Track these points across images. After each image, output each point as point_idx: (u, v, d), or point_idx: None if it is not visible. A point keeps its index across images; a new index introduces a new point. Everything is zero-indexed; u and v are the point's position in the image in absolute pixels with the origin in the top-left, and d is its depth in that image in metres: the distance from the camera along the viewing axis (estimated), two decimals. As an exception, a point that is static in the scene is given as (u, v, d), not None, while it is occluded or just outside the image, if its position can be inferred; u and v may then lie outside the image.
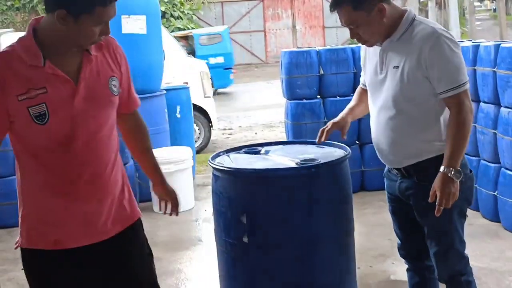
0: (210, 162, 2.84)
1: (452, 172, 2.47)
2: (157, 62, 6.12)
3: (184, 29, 17.39)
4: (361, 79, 2.96)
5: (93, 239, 2.16)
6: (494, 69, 4.55)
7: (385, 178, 2.90)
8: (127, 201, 2.29)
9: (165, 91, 6.25)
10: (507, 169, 4.53)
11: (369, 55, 2.77)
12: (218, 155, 2.99)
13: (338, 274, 2.78)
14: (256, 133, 10.03)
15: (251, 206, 2.65)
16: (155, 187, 2.60)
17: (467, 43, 5.03)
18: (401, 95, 2.59)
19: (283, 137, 9.39)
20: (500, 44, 4.57)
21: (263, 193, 2.65)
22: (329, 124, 2.93)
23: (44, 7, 2.08)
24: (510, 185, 4.49)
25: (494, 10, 43.18)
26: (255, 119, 11.73)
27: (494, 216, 4.74)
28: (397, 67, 2.57)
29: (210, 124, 8.41)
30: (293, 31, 22.59)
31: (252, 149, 3.05)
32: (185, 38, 15.09)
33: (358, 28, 2.57)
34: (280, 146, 3.11)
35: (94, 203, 2.16)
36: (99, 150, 2.15)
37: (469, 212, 4.89)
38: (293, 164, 2.72)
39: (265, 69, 20.88)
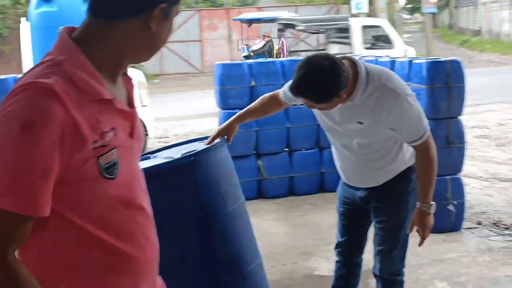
0: None
1: (428, 208, 2.81)
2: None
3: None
4: (283, 92, 3.04)
5: None
6: (408, 83, 5.00)
7: (343, 185, 3.13)
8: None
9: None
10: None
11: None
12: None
13: (239, 244, 2.92)
14: (191, 141, 10.28)
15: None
16: None
17: (385, 59, 5.48)
18: (366, 141, 2.81)
19: (218, 145, 9.74)
20: (412, 60, 5.04)
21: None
22: (217, 130, 3.07)
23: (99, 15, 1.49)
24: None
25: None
26: (192, 127, 11.96)
27: (409, 217, 5.19)
28: (361, 122, 2.72)
29: (146, 133, 8.61)
30: (229, 41, 22.96)
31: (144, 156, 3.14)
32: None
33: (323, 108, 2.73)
34: (170, 149, 3.21)
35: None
36: None
37: None
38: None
39: (201, 79, 21.09)
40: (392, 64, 5.26)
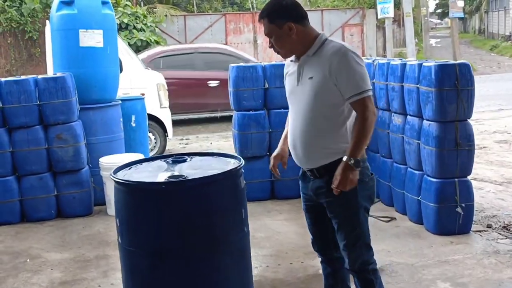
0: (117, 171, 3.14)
1: (353, 162, 2.91)
2: (112, 73, 6.48)
3: (147, 41, 17.73)
4: None
5: None
6: (418, 85, 5.04)
7: (300, 180, 3.27)
8: None
9: (120, 101, 6.61)
10: (428, 176, 5.02)
11: (289, 71, 3.21)
12: (141, 161, 3.37)
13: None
14: (211, 143, 10.41)
15: (123, 212, 2.98)
16: None
17: (396, 62, 5.52)
18: (315, 102, 2.98)
19: (238, 147, 9.87)
20: (421, 63, 5.07)
21: (130, 202, 2.92)
22: (271, 160, 3.38)
23: None
24: (430, 190, 4.97)
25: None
26: (212, 129, 12.12)
27: (419, 219, 5.22)
28: (311, 77, 2.99)
29: (166, 134, 8.77)
30: (254, 45, 23.10)
31: (179, 157, 3.30)
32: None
33: (272, 38, 3.05)
34: (202, 158, 3.37)
35: None
36: None
37: (398, 215, 5.49)
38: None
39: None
40: (403, 67, 5.30)
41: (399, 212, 5.60)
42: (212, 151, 3.46)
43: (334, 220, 3.11)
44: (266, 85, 6.17)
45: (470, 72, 4.86)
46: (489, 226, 5.20)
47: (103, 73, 6.32)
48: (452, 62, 5.01)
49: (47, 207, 5.90)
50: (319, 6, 27.86)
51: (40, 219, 5.85)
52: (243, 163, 3.06)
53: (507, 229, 5.13)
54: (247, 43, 22.89)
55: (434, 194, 4.94)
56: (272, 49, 3.16)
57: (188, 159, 3.26)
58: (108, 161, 5.94)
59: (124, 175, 3.05)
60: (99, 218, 5.95)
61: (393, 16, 21.97)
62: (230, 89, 6.27)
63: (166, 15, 21.39)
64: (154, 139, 8.69)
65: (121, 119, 6.58)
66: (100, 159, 5.99)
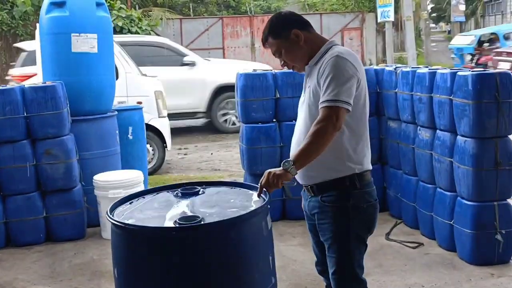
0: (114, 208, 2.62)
1: (287, 165, 2.56)
2: (108, 81, 5.91)
3: (142, 45, 17.19)
4: None
5: None
6: (451, 97, 4.51)
7: (302, 195, 3.02)
8: None
9: (116, 112, 6.04)
10: (463, 198, 4.48)
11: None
12: (144, 193, 2.80)
13: None
14: (212, 153, 9.85)
15: (122, 262, 2.44)
16: None
17: (423, 70, 4.99)
18: (309, 113, 2.76)
19: (239, 158, 9.30)
20: (456, 72, 4.53)
21: (132, 250, 2.37)
22: None
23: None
24: (466, 215, 4.43)
25: (449, 32, 44.23)
26: (212, 138, 11.58)
27: (450, 246, 4.68)
28: (309, 87, 2.81)
29: (164, 145, 8.20)
30: (252, 49, 22.57)
31: (189, 189, 2.77)
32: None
33: (283, 55, 2.84)
34: (217, 189, 2.83)
35: None
36: None
37: (425, 240, 4.93)
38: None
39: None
40: (432, 76, 4.77)
41: (426, 236, 5.05)
42: (228, 180, 2.89)
43: (325, 244, 2.86)
44: (277, 95, 5.61)
45: (511, 82, 4.33)
46: (529, 254, 4.67)
47: (98, 81, 5.73)
48: (492, 71, 4.47)
49: (35, 230, 5.31)
50: (317, 10, 27.37)
51: (27, 244, 5.26)
52: (269, 198, 2.50)
53: (550, 258, 4.60)
54: (245, 47, 22.39)
55: (470, 219, 4.40)
56: (286, 67, 2.96)
57: (201, 190, 2.70)
58: (103, 179, 5.37)
59: (123, 215, 2.49)
60: (92, 242, 5.37)
61: (393, 20, 21.51)
62: (237, 99, 5.71)
63: (161, 19, 20.85)
64: (152, 150, 8.11)
65: (117, 132, 6.01)
66: (94, 177, 5.41)
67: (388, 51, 21.79)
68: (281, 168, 2.56)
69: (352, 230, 2.79)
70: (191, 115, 11.74)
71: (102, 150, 5.76)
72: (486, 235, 4.39)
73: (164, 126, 8.15)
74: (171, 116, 9.23)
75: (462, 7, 22.76)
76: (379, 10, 21.08)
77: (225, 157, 9.38)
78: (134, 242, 2.32)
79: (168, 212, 2.47)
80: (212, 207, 2.51)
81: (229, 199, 2.62)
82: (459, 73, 4.47)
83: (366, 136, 2.88)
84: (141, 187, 5.49)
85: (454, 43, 21.12)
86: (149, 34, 18.60)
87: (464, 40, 20.10)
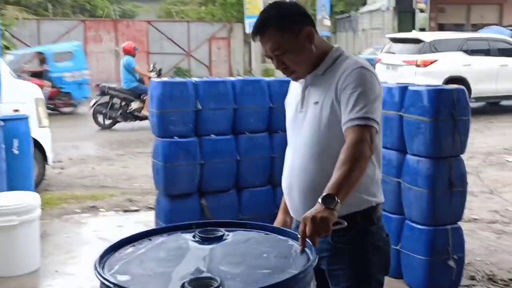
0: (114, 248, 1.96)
1: (325, 198, 1.96)
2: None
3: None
4: None
5: None
6: (400, 113, 4.20)
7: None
8: None
9: (2, 122, 5.07)
10: (414, 222, 4.18)
11: (292, 95, 2.49)
12: (151, 232, 2.11)
13: None
14: (93, 167, 8.92)
15: None
16: None
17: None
18: (319, 133, 2.29)
19: (126, 173, 8.48)
20: (407, 86, 4.24)
21: None
22: None
23: None
24: (419, 240, 4.13)
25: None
26: (85, 151, 10.58)
27: (396, 272, 4.35)
28: (317, 102, 2.31)
29: (46, 161, 7.17)
30: (116, 54, 21.49)
31: (210, 232, 2.08)
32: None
33: (285, 54, 2.28)
34: (245, 233, 2.14)
35: None
36: None
37: None
38: None
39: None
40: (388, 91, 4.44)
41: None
42: (259, 223, 2.20)
43: None
44: (199, 106, 4.99)
45: (466, 99, 4.11)
46: (472, 278, 4.48)
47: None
48: (448, 87, 4.23)
49: None
50: (183, 18, 26.79)
51: None
52: (316, 255, 1.89)
53: (493, 281, 4.45)
54: (108, 53, 21.25)
55: (424, 245, 4.11)
56: (283, 70, 2.35)
57: (225, 234, 2.06)
58: (-10, 204, 4.44)
59: (116, 267, 1.80)
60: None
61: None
62: (153, 110, 5.01)
63: (17, 18, 19.16)
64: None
65: (3, 146, 5.05)
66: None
67: (255, 62, 21.78)
68: (320, 207, 1.95)
69: (373, 275, 2.34)
70: None
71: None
72: (440, 261, 4.12)
73: (46, 137, 7.13)
74: None
75: (327, 22, 23.33)
76: (247, 21, 20.96)
77: (110, 172, 8.52)
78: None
79: (177, 267, 1.81)
80: (237, 264, 1.85)
81: (261, 252, 1.97)
82: (412, 88, 4.18)
83: (381, 164, 2.42)
84: (37, 212, 4.63)
85: None
86: (3, 35, 16.99)
87: None
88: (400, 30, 27.25)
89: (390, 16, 29.11)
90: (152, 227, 2.71)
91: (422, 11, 28.08)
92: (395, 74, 13.40)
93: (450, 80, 13.18)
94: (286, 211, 2.55)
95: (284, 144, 5.18)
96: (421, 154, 4.09)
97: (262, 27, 2.28)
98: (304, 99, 2.38)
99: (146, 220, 5.90)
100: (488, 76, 14.04)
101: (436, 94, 4.02)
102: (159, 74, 13.03)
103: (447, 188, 4.07)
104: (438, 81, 12.62)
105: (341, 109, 2.21)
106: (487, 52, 14.25)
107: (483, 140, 10.71)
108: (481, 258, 4.91)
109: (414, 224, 4.18)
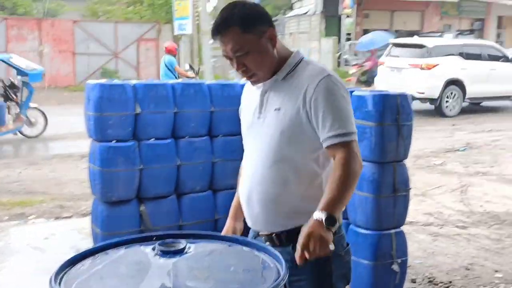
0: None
1: (325, 217, 2.01)
2: None
3: None
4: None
5: None
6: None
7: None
8: None
9: None
10: (359, 226, 4.19)
11: (248, 100, 2.42)
12: (106, 246, 1.98)
13: None
14: (20, 172, 8.52)
15: None
16: None
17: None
18: (280, 141, 2.23)
19: (55, 177, 8.15)
20: (352, 91, 4.24)
21: None
22: None
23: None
24: (364, 245, 4.14)
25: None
26: (13, 154, 10.15)
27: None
28: (278, 109, 2.24)
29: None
30: (40, 54, 20.74)
31: (171, 244, 1.92)
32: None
33: (246, 56, 2.19)
34: (208, 244, 2.05)
35: None
36: None
37: None
38: None
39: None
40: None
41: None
42: (219, 234, 2.13)
43: None
44: (138, 110, 4.82)
45: (409, 104, 4.16)
46: (413, 281, 4.55)
47: None
48: (393, 92, 4.25)
49: None
50: (109, 18, 26.20)
51: None
52: (285, 270, 1.82)
53: (433, 283, 4.53)
54: (31, 52, 20.48)
55: (369, 249, 4.11)
56: (243, 73, 2.26)
57: (187, 246, 1.93)
58: None
59: (75, 284, 1.67)
60: None
61: (191, 33, 21.31)
62: (89, 113, 4.80)
63: None
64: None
65: None
66: None
67: (184, 63, 21.55)
68: (322, 227, 2.00)
69: (334, 285, 2.30)
70: None
71: None
72: (384, 266, 4.14)
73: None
74: None
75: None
76: (176, 23, 20.74)
77: (38, 177, 8.16)
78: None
79: (141, 284, 1.69)
80: (205, 279, 1.75)
81: (228, 265, 1.88)
82: (357, 93, 4.19)
83: None
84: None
85: None
86: None
87: None
88: (327, 34, 27.75)
89: (317, 20, 29.54)
90: (87, 234, 2.56)
91: (348, 16, 28.69)
92: (400, 76, 15.05)
93: (450, 82, 15.08)
94: (236, 218, 2.50)
95: (225, 148, 5.15)
96: (366, 159, 4.06)
97: (224, 26, 2.18)
98: (262, 105, 2.31)
99: (80, 227, 5.68)
100: (480, 78, 15.58)
101: (381, 99, 4.04)
102: (197, 73, 13.11)
103: (391, 193, 4.09)
104: (439, 83, 14.80)
105: (312, 121, 2.19)
106: (479, 57, 15.89)
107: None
108: (420, 261, 4.99)
109: (358, 229, 4.18)
